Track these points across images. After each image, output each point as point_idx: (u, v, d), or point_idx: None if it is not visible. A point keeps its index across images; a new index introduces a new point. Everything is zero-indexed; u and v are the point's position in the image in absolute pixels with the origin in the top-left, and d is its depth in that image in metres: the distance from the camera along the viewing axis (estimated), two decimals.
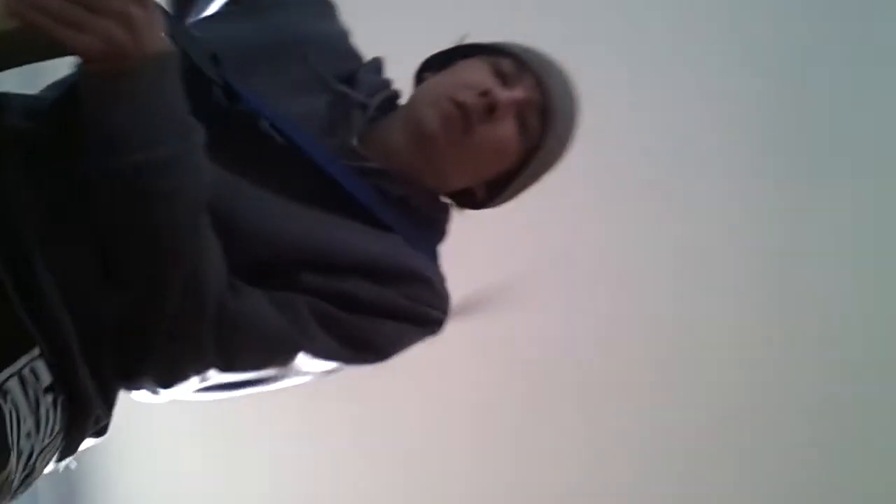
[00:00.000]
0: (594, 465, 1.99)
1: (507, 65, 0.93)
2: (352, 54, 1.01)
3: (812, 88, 1.79)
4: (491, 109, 0.89)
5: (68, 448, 0.76)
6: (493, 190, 0.99)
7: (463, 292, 1.81)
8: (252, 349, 0.79)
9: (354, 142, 0.90)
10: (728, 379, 1.87)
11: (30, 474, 0.71)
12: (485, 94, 0.89)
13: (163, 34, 0.71)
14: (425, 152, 0.91)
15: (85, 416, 0.74)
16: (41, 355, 0.68)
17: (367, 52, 1.03)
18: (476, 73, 0.92)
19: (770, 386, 1.83)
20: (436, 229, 0.99)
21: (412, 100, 0.95)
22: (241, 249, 0.79)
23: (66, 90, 0.76)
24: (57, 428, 0.71)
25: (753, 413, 1.84)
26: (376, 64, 1.01)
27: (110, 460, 2.49)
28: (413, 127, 0.90)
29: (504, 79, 0.92)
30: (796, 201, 1.82)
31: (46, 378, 0.69)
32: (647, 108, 1.91)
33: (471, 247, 1.83)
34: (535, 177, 0.98)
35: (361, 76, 0.96)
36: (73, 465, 0.80)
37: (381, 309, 0.86)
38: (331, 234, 0.85)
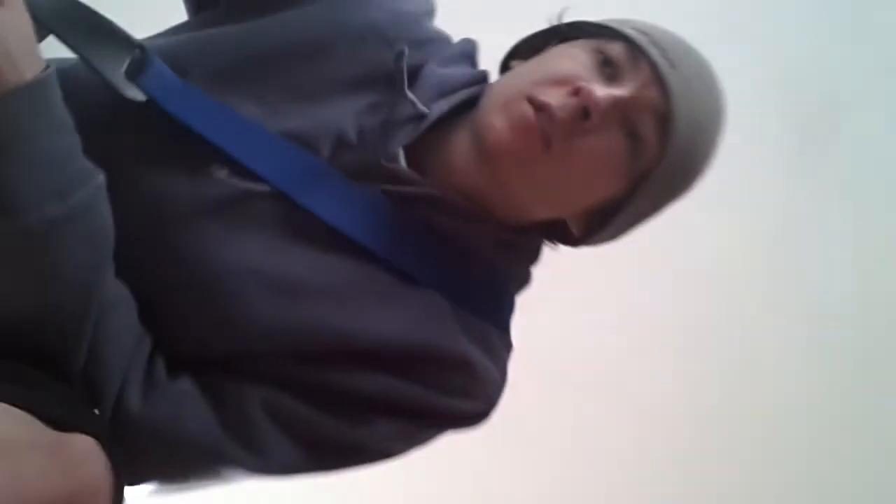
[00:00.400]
0: (594, 466, 1.89)
1: (616, 51, 0.66)
2: (427, 40, 0.73)
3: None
4: (584, 114, 0.62)
5: None
6: (593, 223, 0.72)
7: None
8: (157, 462, 0.62)
9: (384, 160, 0.66)
10: (729, 378, 1.81)
11: None
12: (577, 91, 0.63)
13: (33, 46, 0.53)
14: (493, 171, 0.66)
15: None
16: None
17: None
18: (570, 62, 0.66)
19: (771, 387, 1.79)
20: (508, 277, 0.74)
21: (485, 98, 0.69)
22: (189, 329, 0.63)
23: None
24: None
25: (754, 413, 1.81)
26: (462, 50, 0.75)
27: None
28: (477, 136, 0.66)
29: (610, 70, 0.65)
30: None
31: None
32: None
33: None
34: (648, 208, 0.70)
35: (432, 70, 0.71)
36: None
37: (379, 404, 0.64)
38: (327, 315, 0.63)
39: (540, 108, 0.63)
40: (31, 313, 0.55)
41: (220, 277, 0.61)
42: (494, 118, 0.65)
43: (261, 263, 0.62)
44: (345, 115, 0.66)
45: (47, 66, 0.55)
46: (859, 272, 1.75)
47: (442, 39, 0.75)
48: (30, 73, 0.53)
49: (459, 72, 0.72)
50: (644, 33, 0.66)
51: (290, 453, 0.62)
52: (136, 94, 0.63)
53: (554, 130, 0.63)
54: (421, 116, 0.67)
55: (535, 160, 0.64)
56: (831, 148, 1.75)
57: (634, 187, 0.67)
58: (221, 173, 0.63)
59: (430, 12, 0.75)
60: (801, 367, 1.79)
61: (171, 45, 0.68)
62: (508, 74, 0.71)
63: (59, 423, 0.52)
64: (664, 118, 0.64)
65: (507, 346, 0.71)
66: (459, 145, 0.68)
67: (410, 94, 0.67)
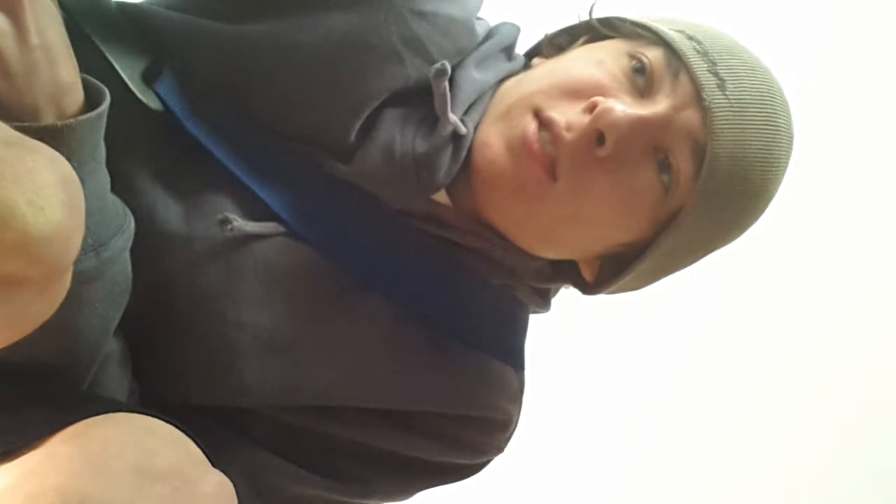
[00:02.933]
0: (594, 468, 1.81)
1: (654, 58, 0.52)
2: (468, 39, 0.57)
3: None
4: (598, 138, 0.49)
5: None
6: (607, 270, 0.58)
7: None
8: None
9: (423, 200, 0.55)
10: (729, 380, 1.74)
11: None
12: (593, 107, 0.49)
13: (68, 64, 0.41)
14: (487, 202, 0.54)
15: None
16: None
17: None
18: (593, 68, 0.52)
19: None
20: (524, 318, 0.63)
21: (490, 110, 0.55)
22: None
23: None
24: None
25: (754, 413, 1.75)
26: (501, 41, 0.59)
27: None
28: (472, 153, 0.53)
29: (644, 81, 0.52)
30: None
31: None
32: None
33: None
34: (678, 257, 0.56)
35: (468, 73, 0.55)
36: None
37: (397, 462, 0.57)
38: (322, 374, 0.53)
39: (545, 124, 0.50)
40: (38, 357, 0.46)
41: (220, 331, 0.52)
42: (491, 132, 0.52)
43: (257, 316, 0.52)
44: (376, 139, 0.53)
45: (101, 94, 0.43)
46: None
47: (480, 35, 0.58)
48: (77, 98, 0.42)
49: (494, 73, 0.57)
50: (692, 38, 0.51)
51: None
52: (153, 101, 0.52)
53: (560, 156, 0.50)
54: (457, 136, 0.53)
55: (535, 194, 0.51)
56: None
57: (660, 230, 0.53)
58: (235, 219, 0.51)
59: (474, 10, 0.58)
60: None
61: (179, 37, 0.54)
62: (522, 75, 0.57)
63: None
64: (702, 150, 0.50)
65: (522, 387, 0.61)
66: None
67: (453, 117, 0.52)
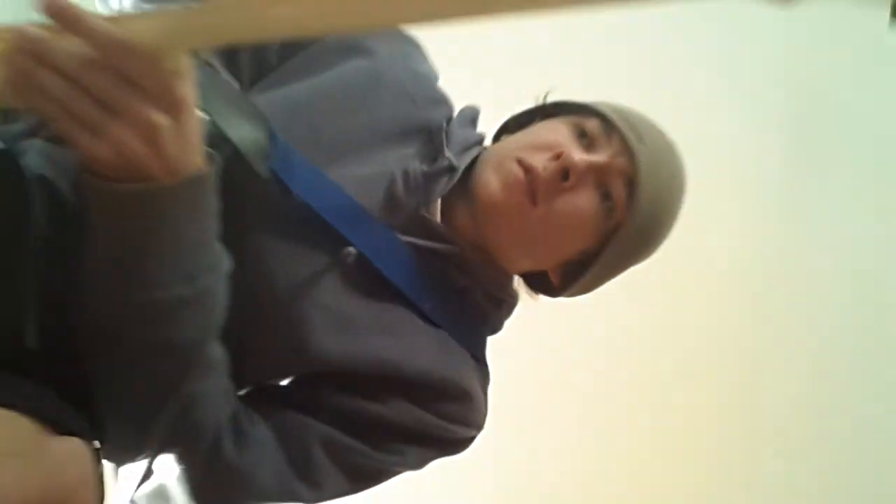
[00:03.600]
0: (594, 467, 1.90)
1: (592, 126, 0.77)
2: (441, 100, 0.82)
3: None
4: (564, 175, 0.73)
5: None
6: (568, 275, 0.81)
7: None
8: (239, 500, 0.68)
9: (425, 212, 0.75)
10: (729, 379, 1.84)
11: None
12: (558, 156, 0.73)
13: (197, 145, 0.56)
14: (487, 223, 0.76)
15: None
16: None
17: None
18: (553, 134, 0.77)
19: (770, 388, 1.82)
20: (489, 324, 0.83)
21: (478, 165, 0.79)
22: (267, 354, 0.70)
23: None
24: None
25: (754, 413, 1.83)
26: (471, 114, 0.84)
27: None
28: (474, 192, 0.76)
29: (587, 141, 0.76)
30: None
31: None
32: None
33: None
34: (617, 263, 0.80)
35: (455, 129, 0.80)
36: None
37: (410, 434, 0.73)
38: (373, 344, 0.72)
39: (527, 169, 0.73)
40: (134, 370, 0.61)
41: (301, 317, 0.69)
42: (489, 176, 0.75)
43: (332, 304, 0.70)
44: (390, 162, 0.75)
45: (211, 157, 0.57)
46: (855, 271, 1.77)
47: (449, 101, 0.84)
48: (196, 161, 0.55)
49: (471, 133, 0.81)
50: (616, 111, 0.78)
51: (339, 483, 0.70)
52: (264, 169, 0.67)
53: (539, 188, 0.73)
54: (452, 169, 0.76)
55: (523, 214, 0.74)
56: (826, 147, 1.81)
57: (605, 242, 0.77)
58: (349, 255, 0.70)
59: (438, 77, 0.85)
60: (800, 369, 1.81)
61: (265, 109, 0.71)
62: (500, 143, 0.83)
63: (52, 423, 0.54)
64: (632, 182, 0.75)
65: (488, 378, 0.80)
66: (460, 202, 0.78)
67: (448, 152, 0.76)
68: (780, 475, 1.79)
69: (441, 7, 0.48)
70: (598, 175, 0.74)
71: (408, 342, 0.73)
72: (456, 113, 0.82)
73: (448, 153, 0.76)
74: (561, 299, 0.85)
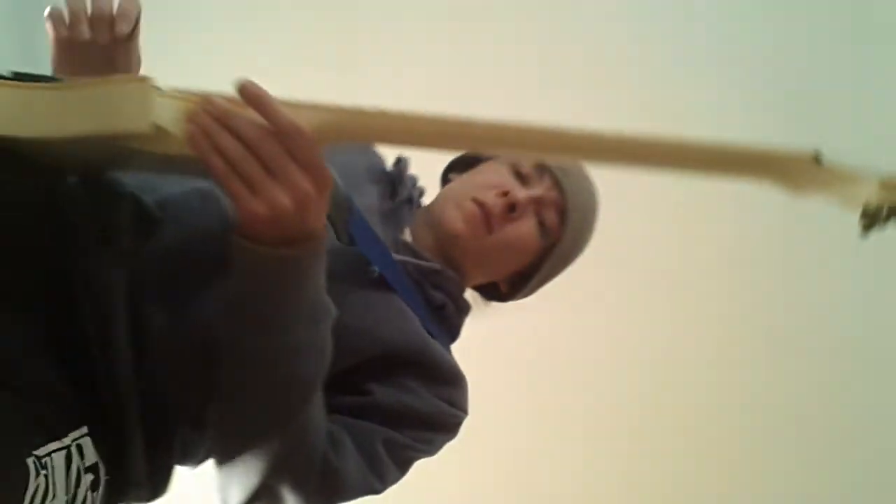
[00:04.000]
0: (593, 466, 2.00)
1: (526, 166, 0.98)
2: (377, 151, 1.04)
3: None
4: (511, 208, 0.94)
5: None
6: (515, 284, 1.03)
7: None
8: (340, 500, 0.81)
9: (408, 237, 0.95)
10: (728, 379, 1.90)
11: None
12: (505, 194, 0.94)
13: (323, 216, 0.69)
14: (451, 251, 0.96)
15: (125, 497, 0.74)
16: (89, 434, 0.69)
17: None
18: (497, 175, 0.98)
19: (769, 388, 1.87)
20: (455, 334, 1.02)
21: (438, 200, 1.00)
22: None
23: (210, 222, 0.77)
24: None
25: (753, 413, 1.87)
26: (406, 162, 1.05)
27: None
28: (440, 226, 0.96)
29: (523, 179, 0.97)
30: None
31: (91, 457, 0.69)
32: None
33: None
34: (554, 271, 1.02)
35: (403, 169, 1.01)
36: None
37: (433, 423, 0.87)
38: (403, 327, 0.87)
39: (481, 205, 0.94)
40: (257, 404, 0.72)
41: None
42: (451, 214, 0.95)
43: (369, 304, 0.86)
44: (373, 202, 0.94)
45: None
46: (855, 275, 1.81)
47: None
48: (323, 226, 0.69)
49: (411, 175, 1.03)
50: None
51: (394, 474, 0.84)
52: (345, 238, 0.83)
53: (493, 220, 0.94)
54: (410, 201, 0.98)
55: (480, 241, 0.94)
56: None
57: (543, 257, 0.99)
58: (374, 274, 0.86)
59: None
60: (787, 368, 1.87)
61: None
62: (454, 183, 1.03)
63: None
64: (563, 210, 0.97)
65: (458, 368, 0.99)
66: (421, 232, 0.97)
67: (409, 186, 0.99)
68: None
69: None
70: (536, 207, 0.96)
71: (424, 334, 0.89)
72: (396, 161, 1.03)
73: (409, 187, 0.98)
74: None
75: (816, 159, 0.69)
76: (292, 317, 0.69)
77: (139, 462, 0.73)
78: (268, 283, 0.67)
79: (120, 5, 0.84)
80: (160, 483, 0.79)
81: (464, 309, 1.01)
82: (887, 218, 0.66)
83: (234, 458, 0.73)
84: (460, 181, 1.02)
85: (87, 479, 0.69)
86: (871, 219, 0.66)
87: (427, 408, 0.86)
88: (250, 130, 0.62)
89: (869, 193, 0.65)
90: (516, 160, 0.99)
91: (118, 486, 0.72)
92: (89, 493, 0.69)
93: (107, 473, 0.71)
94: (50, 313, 0.70)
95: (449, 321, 0.98)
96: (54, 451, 0.66)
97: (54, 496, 0.65)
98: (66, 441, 0.67)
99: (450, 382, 0.90)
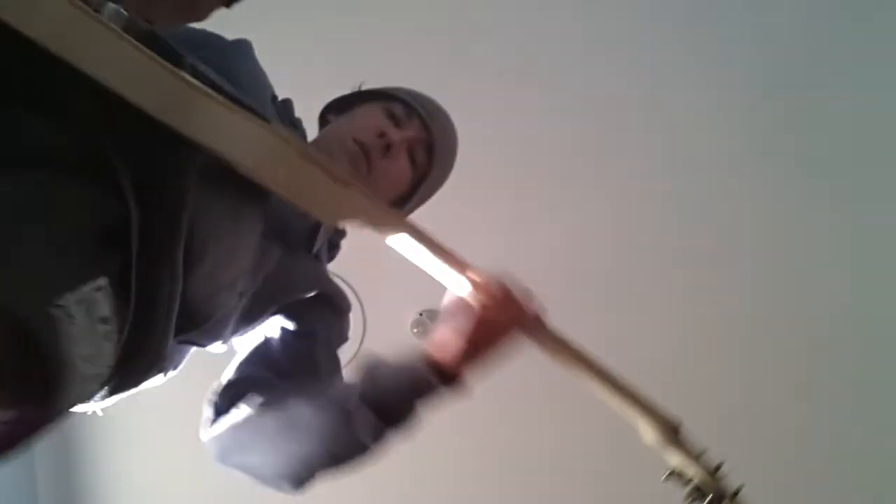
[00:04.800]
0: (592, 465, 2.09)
1: (398, 109, 1.12)
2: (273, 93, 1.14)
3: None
4: (388, 147, 1.07)
5: (116, 386, 0.80)
6: (397, 205, 1.17)
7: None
8: None
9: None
10: (724, 379, 1.96)
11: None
12: (382, 135, 1.08)
13: None
14: None
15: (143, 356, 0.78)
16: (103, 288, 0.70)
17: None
18: (373, 118, 1.11)
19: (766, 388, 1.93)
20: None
21: (322, 139, 1.12)
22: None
23: None
24: (107, 361, 0.72)
25: (751, 412, 1.93)
26: (291, 103, 1.16)
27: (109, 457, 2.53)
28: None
29: (396, 121, 1.11)
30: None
31: (105, 309, 0.70)
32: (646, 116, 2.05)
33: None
34: (425, 198, 1.19)
35: (290, 110, 1.12)
36: (100, 413, 0.88)
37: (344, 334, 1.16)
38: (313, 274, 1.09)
39: (361, 145, 1.07)
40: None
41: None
42: (336, 152, 1.07)
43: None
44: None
45: None
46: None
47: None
48: None
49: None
50: (412, 97, 1.14)
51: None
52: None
53: (371, 157, 1.07)
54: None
55: (364, 175, 1.07)
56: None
57: (415, 186, 1.15)
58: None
59: None
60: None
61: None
62: (333, 124, 1.15)
63: None
64: (430, 148, 1.12)
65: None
66: None
67: (299, 127, 1.14)
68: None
69: None
70: (409, 145, 1.10)
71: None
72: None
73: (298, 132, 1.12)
74: None
75: (675, 429, 0.95)
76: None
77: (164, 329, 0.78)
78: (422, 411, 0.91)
79: None
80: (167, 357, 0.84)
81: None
82: (686, 484, 0.95)
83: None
84: (339, 123, 1.14)
85: (100, 329, 0.70)
86: (677, 478, 0.96)
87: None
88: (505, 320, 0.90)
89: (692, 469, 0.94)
90: (389, 105, 1.12)
91: (140, 343, 0.76)
92: (104, 343, 0.71)
93: (119, 330, 0.73)
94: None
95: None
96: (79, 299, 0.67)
97: (81, 342, 0.67)
98: (85, 290, 0.68)
99: (346, 308, 1.14)
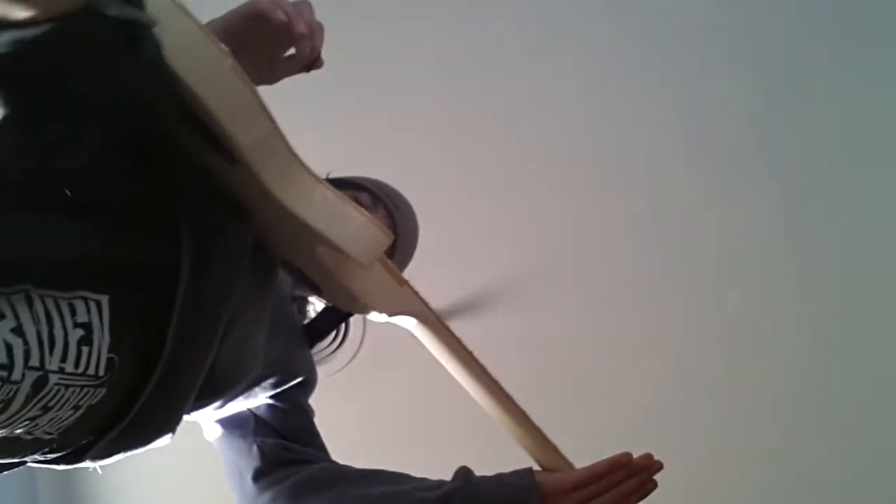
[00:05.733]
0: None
1: (364, 198, 1.17)
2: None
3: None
4: None
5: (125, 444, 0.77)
6: None
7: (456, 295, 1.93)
8: None
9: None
10: (721, 378, 1.94)
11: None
12: None
13: None
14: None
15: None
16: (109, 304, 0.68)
17: None
18: None
19: (764, 385, 1.91)
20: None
21: None
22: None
23: None
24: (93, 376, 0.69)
25: (748, 412, 1.91)
26: None
27: None
28: None
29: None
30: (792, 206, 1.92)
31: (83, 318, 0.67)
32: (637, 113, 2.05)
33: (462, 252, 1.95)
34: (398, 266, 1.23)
35: None
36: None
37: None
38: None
39: None
40: None
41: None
42: None
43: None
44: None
45: None
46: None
47: None
48: None
49: None
50: (378, 187, 1.20)
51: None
52: None
53: None
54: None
55: None
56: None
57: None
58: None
59: None
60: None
61: None
62: None
63: None
64: (395, 233, 1.11)
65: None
66: None
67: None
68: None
69: None
70: None
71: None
72: None
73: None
74: None
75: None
76: None
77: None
78: None
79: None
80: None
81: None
82: None
83: None
84: None
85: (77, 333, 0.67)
86: None
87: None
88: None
89: None
90: (356, 193, 1.16)
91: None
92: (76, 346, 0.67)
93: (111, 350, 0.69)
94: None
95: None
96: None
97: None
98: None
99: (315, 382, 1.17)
